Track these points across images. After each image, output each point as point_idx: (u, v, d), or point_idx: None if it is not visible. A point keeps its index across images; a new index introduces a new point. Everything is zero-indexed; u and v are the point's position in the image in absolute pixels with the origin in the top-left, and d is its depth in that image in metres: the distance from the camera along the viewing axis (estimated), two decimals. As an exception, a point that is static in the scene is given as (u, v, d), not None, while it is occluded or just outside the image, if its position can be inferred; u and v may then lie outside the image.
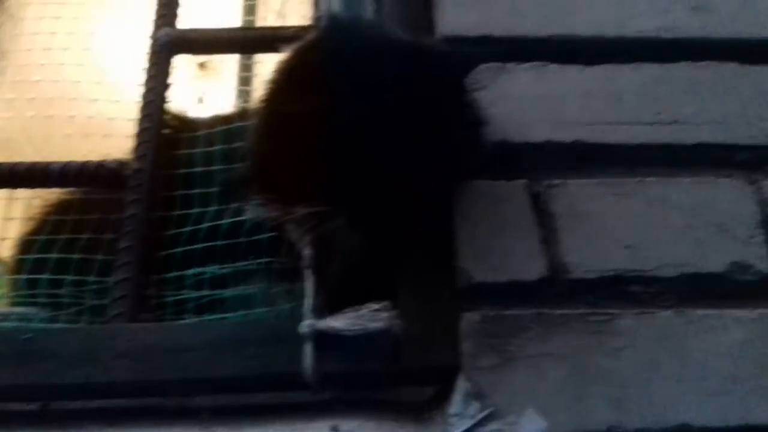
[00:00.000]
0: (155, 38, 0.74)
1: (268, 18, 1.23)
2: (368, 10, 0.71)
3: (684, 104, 0.68)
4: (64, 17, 0.99)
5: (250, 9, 1.19)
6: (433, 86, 0.55)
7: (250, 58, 1.17)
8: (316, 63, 0.56)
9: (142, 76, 0.73)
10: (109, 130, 0.82)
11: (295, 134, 0.56)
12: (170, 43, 0.73)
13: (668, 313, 0.60)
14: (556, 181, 0.64)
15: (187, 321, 0.61)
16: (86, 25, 1.06)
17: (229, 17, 1.23)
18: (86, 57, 1.03)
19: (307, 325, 0.56)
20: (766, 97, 0.70)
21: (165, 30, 0.74)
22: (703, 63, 0.70)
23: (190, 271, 0.63)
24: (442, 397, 0.57)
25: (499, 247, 0.61)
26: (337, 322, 0.55)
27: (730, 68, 0.70)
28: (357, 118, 0.55)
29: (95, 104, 0.93)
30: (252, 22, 1.18)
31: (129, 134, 0.71)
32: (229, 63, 1.29)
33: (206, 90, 1.39)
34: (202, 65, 1.47)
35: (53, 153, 0.78)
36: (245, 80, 1.20)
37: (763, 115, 0.68)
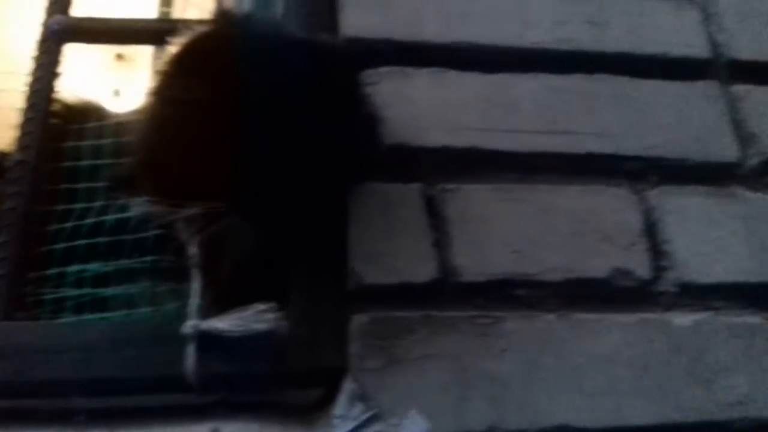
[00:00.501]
0: (45, 25, 0.69)
1: (187, 10, 1.18)
2: (276, 11, 0.68)
3: (577, 115, 0.68)
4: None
5: (166, 0, 1.14)
6: (324, 83, 0.53)
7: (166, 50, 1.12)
8: (207, 56, 0.53)
9: (30, 65, 0.68)
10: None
11: (184, 127, 0.53)
12: (61, 30, 0.68)
13: (552, 316, 0.61)
14: (451, 186, 0.64)
15: (63, 320, 0.57)
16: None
17: (146, 8, 1.18)
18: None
19: (190, 325, 0.53)
20: (655, 111, 0.71)
21: (56, 17, 0.69)
22: (596, 75, 0.71)
23: (72, 269, 0.59)
24: (329, 399, 0.55)
25: (391, 249, 0.60)
26: (221, 323, 0.53)
27: (622, 82, 0.71)
28: (249, 114, 0.52)
29: (4, 94, 0.86)
30: (168, 13, 1.12)
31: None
32: (146, 55, 1.23)
33: (123, 82, 1.32)
34: (119, 56, 1.40)
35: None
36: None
37: (650, 128, 0.69)
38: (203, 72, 0.54)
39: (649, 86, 0.71)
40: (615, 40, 0.72)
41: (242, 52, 0.53)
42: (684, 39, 0.74)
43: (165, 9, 1.14)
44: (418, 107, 0.66)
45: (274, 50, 0.55)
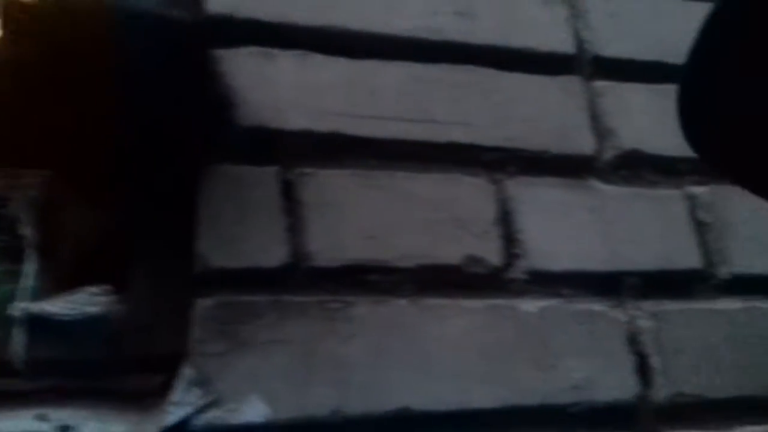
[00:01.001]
0: None
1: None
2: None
3: (440, 104, 0.68)
4: None
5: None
6: (170, 59, 0.50)
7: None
8: (49, 20, 0.49)
9: None
10: None
11: (18, 89, 0.49)
12: None
13: (403, 301, 0.60)
14: (309, 170, 0.62)
15: None
16: None
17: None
18: None
19: (19, 308, 0.50)
20: (517, 103, 0.71)
21: None
22: (462, 66, 0.70)
23: None
24: (169, 384, 0.53)
25: (243, 233, 0.58)
26: (52, 306, 0.50)
27: (488, 73, 0.71)
28: (89, 84, 0.49)
29: None
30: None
31: None
32: None
33: None
34: None
35: None
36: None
37: (511, 119, 0.69)
38: (43, 35, 0.50)
39: (513, 79, 0.71)
40: (483, 32, 0.72)
41: (86, 18, 0.49)
42: (551, 34, 0.75)
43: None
44: (280, 89, 0.63)
45: (119, 20, 0.51)
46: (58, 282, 0.53)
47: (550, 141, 0.70)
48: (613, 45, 0.77)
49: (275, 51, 0.65)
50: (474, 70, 0.71)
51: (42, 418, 0.49)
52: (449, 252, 0.63)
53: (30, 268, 0.51)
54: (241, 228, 0.58)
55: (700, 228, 0.73)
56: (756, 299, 0.72)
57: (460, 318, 0.61)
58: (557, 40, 0.75)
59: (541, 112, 0.71)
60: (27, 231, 0.52)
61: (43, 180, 0.51)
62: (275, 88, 0.63)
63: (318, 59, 0.66)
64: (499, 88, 0.71)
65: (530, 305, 0.64)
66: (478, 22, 0.73)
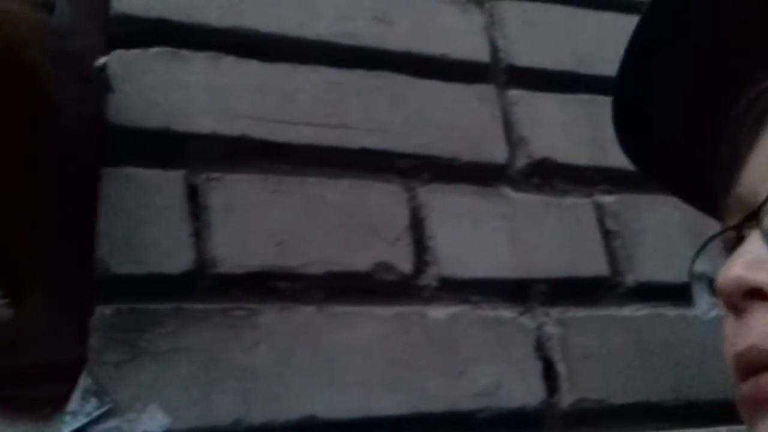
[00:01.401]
0: None
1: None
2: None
3: (353, 109, 0.70)
4: None
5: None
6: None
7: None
8: None
9: None
10: None
11: None
12: None
13: (311, 309, 0.62)
14: (217, 175, 0.63)
15: None
16: None
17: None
18: None
19: None
20: (431, 110, 0.74)
21: None
22: (377, 72, 0.73)
23: None
24: (67, 395, 0.53)
25: (145, 238, 0.58)
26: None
27: (402, 80, 0.73)
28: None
29: None
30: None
31: None
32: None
33: None
34: None
35: None
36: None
37: (425, 127, 0.72)
38: None
39: (427, 86, 0.74)
40: (398, 38, 0.74)
41: None
42: (467, 42, 0.78)
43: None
44: (189, 92, 0.64)
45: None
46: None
47: (463, 149, 0.74)
48: (527, 54, 0.81)
49: (185, 52, 0.65)
50: (389, 77, 0.73)
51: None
52: (360, 259, 0.65)
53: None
54: (144, 233, 0.58)
55: (608, 236, 0.77)
56: (661, 306, 0.77)
57: (368, 325, 0.63)
58: (473, 48, 0.78)
59: (455, 120, 0.74)
60: None
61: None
62: (184, 90, 0.64)
63: (229, 61, 0.67)
64: (413, 95, 0.73)
65: (439, 312, 0.67)
66: (394, 28, 0.75)
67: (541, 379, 0.68)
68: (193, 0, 0.67)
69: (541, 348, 0.70)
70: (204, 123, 0.64)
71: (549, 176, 0.77)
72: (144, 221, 0.59)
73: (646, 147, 0.45)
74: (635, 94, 0.43)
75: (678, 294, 0.78)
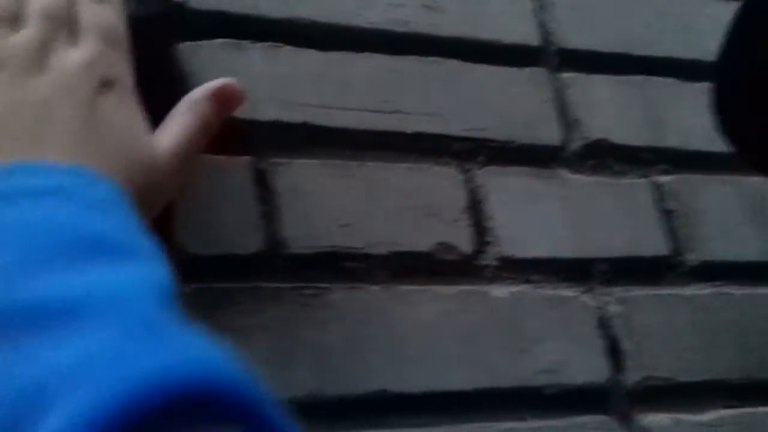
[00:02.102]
0: None
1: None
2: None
3: (408, 95, 0.75)
4: None
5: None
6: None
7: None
8: None
9: None
10: None
11: None
12: None
13: (377, 288, 0.67)
14: (282, 160, 0.69)
15: None
16: None
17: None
18: None
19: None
20: (484, 95, 0.79)
21: None
22: (429, 58, 0.78)
23: None
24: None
25: (219, 220, 0.65)
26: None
27: (454, 65, 0.79)
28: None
29: None
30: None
31: None
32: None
33: None
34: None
35: None
36: None
37: (478, 111, 0.78)
38: None
39: (480, 71, 0.80)
40: (449, 24, 0.80)
41: None
42: (516, 27, 0.84)
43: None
44: (251, 82, 0.70)
45: None
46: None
47: (518, 131, 0.79)
48: (578, 37, 0.87)
49: (245, 43, 0.72)
50: (442, 62, 0.79)
51: None
52: (421, 239, 0.70)
53: None
54: (217, 216, 0.64)
55: (667, 216, 0.82)
56: (725, 285, 0.81)
57: (433, 304, 0.69)
58: (523, 32, 0.84)
59: (508, 103, 0.80)
60: None
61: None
62: (247, 80, 0.70)
63: (288, 51, 0.73)
64: (466, 79, 0.79)
65: (501, 291, 0.72)
66: (444, 15, 0.81)
67: (605, 357, 0.73)
68: (252, -7, 0.74)
69: (604, 326, 0.74)
70: (267, 111, 0.70)
71: (604, 157, 0.82)
72: (217, 205, 0.65)
73: (749, 131, 0.46)
74: (738, 77, 0.44)
75: (741, 273, 0.83)
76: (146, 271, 0.36)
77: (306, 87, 0.72)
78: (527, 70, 0.82)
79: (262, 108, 0.70)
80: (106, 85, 0.46)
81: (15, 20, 0.44)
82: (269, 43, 0.73)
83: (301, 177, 0.69)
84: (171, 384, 0.28)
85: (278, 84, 0.72)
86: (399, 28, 0.78)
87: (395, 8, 0.79)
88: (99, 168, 0.42)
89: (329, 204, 0.69)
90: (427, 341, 0.67)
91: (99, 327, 0.30)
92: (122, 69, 0.48)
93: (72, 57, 0.45)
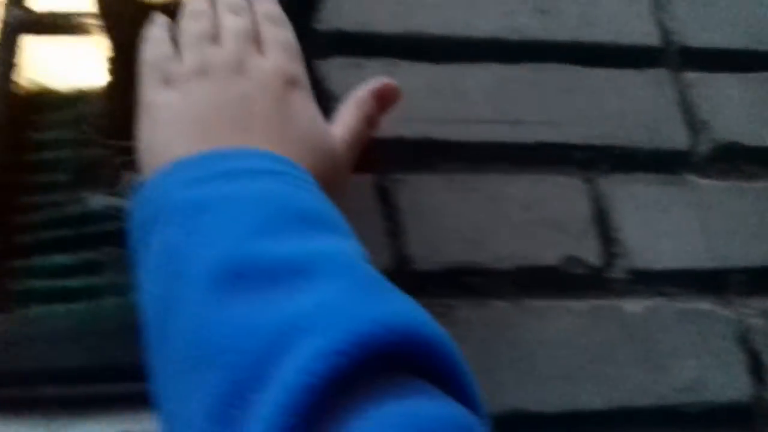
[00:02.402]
0: (3, 20, 0.73)
1: None
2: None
3: (526, 104, 0.74)
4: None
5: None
6: None
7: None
8: None
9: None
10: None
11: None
12: (18, 25, 0.72)
13: (504, 304, 0.66)
14: (403, 176, 0.68)
15: (30, 311, 0.60)
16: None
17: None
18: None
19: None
20: (605, 99, 0.77)
21: (13, 11, 0.73)
22: (546, 65, 0.76)
23: (38, 261, 0.62)
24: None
25: (344, 240, 0.64)
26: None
27: (571, 71, 0.77)
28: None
29: None
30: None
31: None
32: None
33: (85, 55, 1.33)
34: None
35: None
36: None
37: (598, 116, 0.75)
38: None
39: (599, 75, 0.77)
40: (565, 28, 0.78)
41: None
42: (635, 27, 0.80)
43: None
44: (369, 99, 0.70)
45: None
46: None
47: (642, 136, 0.76)
48: (700, 34, 0.83)
49: (362, 60, 0.72)
50: (558, 68, 0.77)
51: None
52: (547, 253, 0.68)
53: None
54: (342, 235, 0.64)
55: (809, 220, 0.77)
56: None
57: (563, 319, 0.66)
58: (641, 32, 0.81)
59: (630, 107, 0.77)
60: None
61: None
62: (364, 97, 0.70)
63: (403, 66, 0.73)
64: (584, 85, 0.77)
65: (634, 305, 0.69)
66: (557, 19, 0.79)
67: (746, 373, 0.69)
68: (363, 10, 0.74)
69: (744, 340, 0.70)
70: (387, 127, 0.69)
71: (735, 160, 0.78)
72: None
73: None
74: None
75: None
76: (354, 242, 0.44)
77: (424, 101, 0.72)
78: (648, 71, 0.79)
79: (382, 125, 0.70)
80: (292, 84, 0.52)
81: (215, 38, 0.52)
82: (385, 59, 0.73)
83: (423, 193, 0.68)
84: (394, 330, 0.34)
85: (395, 99, 0.71)
86: (513, 36, 0.76)
87: (508, 16, 0.77)
88: (290, 155, 0.48)
89: (452, 219, 0.68)
90: (559, 358, 0.65)
91: (331, 282, 0.36)
92: (302, 73, 0.55)
93: (263, 63, 0.52)
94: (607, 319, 0.67)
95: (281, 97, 0.51)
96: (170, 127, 0.49)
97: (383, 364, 0.33)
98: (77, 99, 0.74)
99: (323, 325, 0.32)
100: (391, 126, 0.70)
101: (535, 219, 0.69)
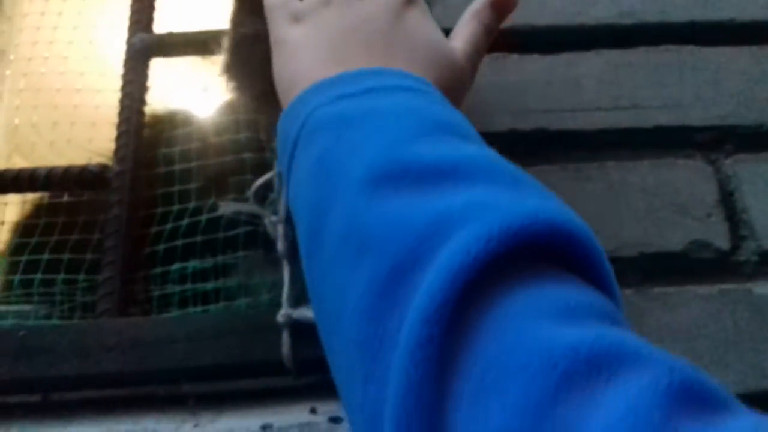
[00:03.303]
0: (130, 44, 0.78)
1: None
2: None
3: (642, 88, 0.72)
4: (66, 12, 1.02)
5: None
6: None
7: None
8: None
9: (119, 82, 0.77)
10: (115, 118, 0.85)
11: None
12: (144, 48, 0.77)
13: (629, 291, 0.65)
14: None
15: (171, 314, 0.65)
16: (89, 18, 1.09)
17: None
18: (90, 49, 1.06)
19: (282, 314, 0.60)
20: (724, 78, 0.73)
21: (139, 35, 0.78)
22: (661, 47, 0.74)
23: (173, 267, 0.67)
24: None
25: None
26: (310, 312, 0.59)
27: (687, 51, 0.74)
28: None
29: (101, 94, 0.97)
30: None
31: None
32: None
33: (210, 79, 1.41)
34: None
35: (59, 139, 0.82)
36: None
37: (721, 96, 0.72)
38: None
39: (716, 54, 0.74)
40: (678, 9, 0.75)
41: None
42: (750, 1, 0.77)
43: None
44: (481, 93, 0.71)
45: None
46: (303, 289, 0.64)
47: (765, 114, 0.73)
48: (825, 4, 0.78)
49: (473, 57, 0.73)
50: (674, 50, 0.74)
51: (314, 411, 0.59)
52: (672, 238, 0.67)
53: (286, 277, 0.62)
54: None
55: None
56: None
57: (691, 305, 0.65)
58: (758, 6, 0.77)
59: (752, 86, 0.73)
60: (281, 246, 0.63)
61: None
62: (476, 93, 0.71)
63: (513, 59, 0.73)
64: (702, 65, 0.74)
65: (765, 287, 0.66)
66: (671, 0, 0.77)
67: None
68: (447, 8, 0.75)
69: None
70: (500, 121, 0.70)
71: None
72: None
73: None
74: None
75: None
76: (488, 149, 0.44)
77: (536, 93, 0.71)
78: (770, 47, 0.75)
79: (494, 118, 0.70)
80: (409, 2, 0.54)
81: None
82: (495, 54, 0.73)
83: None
84: (542, 222, 0.35)
85: (508, 93, 0.71)
86: (625, 20, 0.75)
87: (619, 0, 0.76)
88: (414, 70, 0.49)
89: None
90: (689, 345, 0.63)
91: (477, 183, 0.38)
92: None
93: None
94: (737, 302, 0.65)
95: (401, 14, 0.52)
96: (306, 56, 0.51)
97: (532, 254, 0.34)
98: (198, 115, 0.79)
99: (475, 219, 0.34)
100: (504, 119, 0.71)
101: (657, 205, 0.68)
